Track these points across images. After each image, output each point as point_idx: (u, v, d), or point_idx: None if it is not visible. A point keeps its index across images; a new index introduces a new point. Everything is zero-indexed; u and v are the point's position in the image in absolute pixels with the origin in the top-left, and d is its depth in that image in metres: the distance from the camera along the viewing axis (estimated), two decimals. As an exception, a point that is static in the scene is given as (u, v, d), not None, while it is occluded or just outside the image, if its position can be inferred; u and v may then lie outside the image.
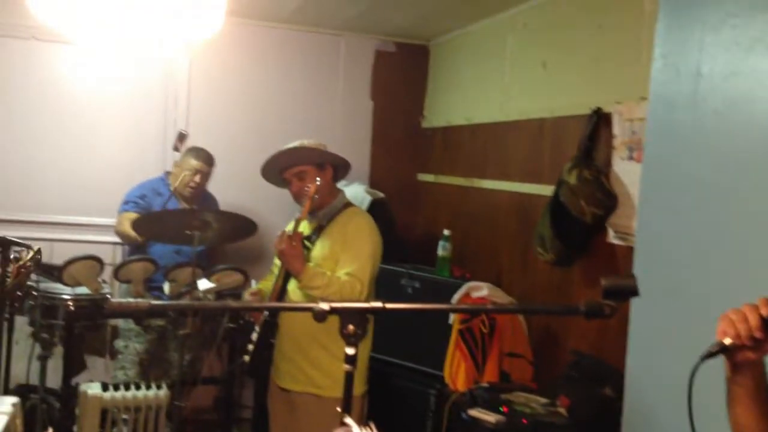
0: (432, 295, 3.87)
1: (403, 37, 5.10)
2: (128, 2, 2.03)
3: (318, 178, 2.89)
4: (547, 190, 3.44)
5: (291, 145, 3.06)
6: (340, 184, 3.21)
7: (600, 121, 3.15)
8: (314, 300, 2.80)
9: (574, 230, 3.08)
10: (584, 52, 3.40)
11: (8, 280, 2.58)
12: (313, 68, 5.05)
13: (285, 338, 3.05)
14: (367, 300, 2.83)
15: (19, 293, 3.07)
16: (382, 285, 3.15)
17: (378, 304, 1.46)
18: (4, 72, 4.50)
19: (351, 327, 1.42)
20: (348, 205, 3.09)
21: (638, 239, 2.55)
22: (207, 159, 4.19)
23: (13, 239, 2.36)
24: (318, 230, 3.02)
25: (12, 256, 2.57)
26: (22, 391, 3.84)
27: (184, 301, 3.39)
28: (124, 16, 2.17)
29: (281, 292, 3.02)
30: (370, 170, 5.14)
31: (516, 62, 4.04)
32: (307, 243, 3.02)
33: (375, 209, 4.22)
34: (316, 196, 2.85)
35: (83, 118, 4.64)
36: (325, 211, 3.03)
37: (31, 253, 2.68)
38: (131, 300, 1.88)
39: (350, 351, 1.43)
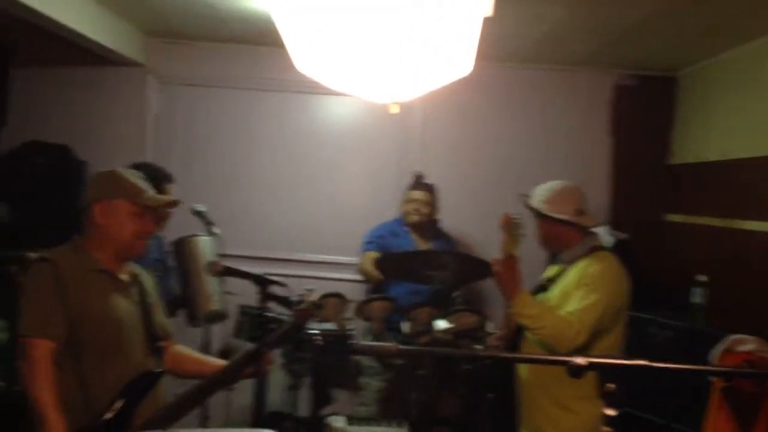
0: (686, 347, 3.54)
1: (647, 69, 4.82)
2: (382, 53, 2.11)
3: (515, 214, 2.81)
4: (827, 232, 3.01)
5: (536, 189, 2.98)
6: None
7: None
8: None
9: None
10: None
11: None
12: (549, 105, 4.95)
13: (519, 380, 2.98)
14: (583, 346, 2.66)
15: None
16: (628, 332, 2.92)
17: (642, 362, 1.32)
18: (259, 121, 4.95)
19: (611, 386, 1.30)
20: (597, 248, 2.93)
21: None
22: (426, 187, 4.26)
23: (272, 279, 2.50)
24: (561, 273, 2.92)
25: (293, 298, 2.65)
26: (275, 418, 4.12)
27: (424, 347, 3.41)
28: (373, 66, 2.25)
29: (517, 333, 2.94)
30: (611, 210, 4.88)
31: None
32: (547, 284, 2.95)
33: (617, 251, 3.98)
34: (523, 233, 2.77)
35: (326, 162, 4.95)
36: (567, 254, 2.92)
37: (313, 297, 2.76)
38: (379, 343, 1.92)
39: (611, 412, 1.30)
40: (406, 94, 2.47)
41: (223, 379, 2.47)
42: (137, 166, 3.21)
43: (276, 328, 3.30)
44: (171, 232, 3.74)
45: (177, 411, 2.30)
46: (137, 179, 2.40)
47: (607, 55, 4.51)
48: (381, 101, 2.56)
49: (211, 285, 3.20)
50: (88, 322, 2.22)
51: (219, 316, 3.28)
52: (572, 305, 2.73)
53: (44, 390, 2.12)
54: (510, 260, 2.78)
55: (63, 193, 4.33)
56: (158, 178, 3.23)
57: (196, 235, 3.33)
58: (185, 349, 2.67)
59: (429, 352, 3.05)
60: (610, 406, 1.35)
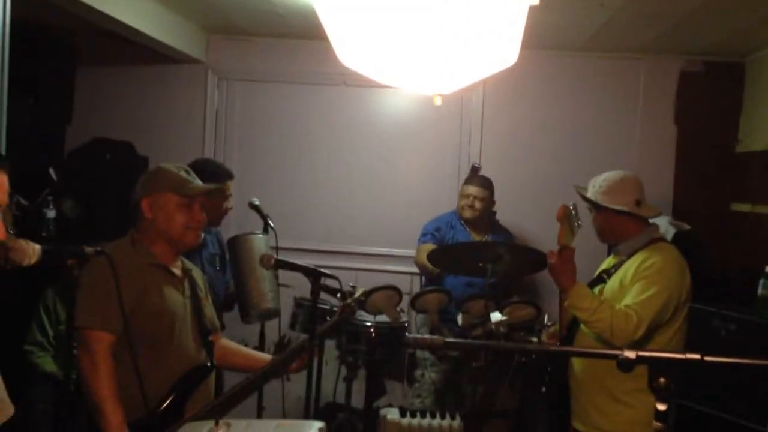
0: (751, 340, 3.41)
1: (713, 54, 4.65)
2: (424, 44, 2.09)
3: (570, 203, 2.77)
4: None
5: (591, 181, 2.91)
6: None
7: None
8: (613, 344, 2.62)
9: None
10: None
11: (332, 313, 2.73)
12: (610, 94, 4.83)
13: (572, 374, 2.92)
14: (642, 341, 2.60)
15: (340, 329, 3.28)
16: (690, 326, 2.83)
17: (695, 356, 1.27)
18: (316, 115, 4.97)
19: (662, 380, 1.26)
20: (656, 240, 2.84)
21: None
22: (481, 182, 4.21)
23: (324, 272, 2.52)
24: (618, 265, 2.84)
25: (339, 294, 2.70)
26: (330, 409, 4.16)
27: (477, 340, 3.37)
28: (413, 58, 2.24)
29: (570, 327, 2.88)
30: (674, 200, 4.74)
31: None
32: (604, 276, 2.88)
33: (680, 242, 3.86)
34: (578, 224, 2.73)
35: (384, 154, 4.95)
36: (625, 246, 2.84)
37: (358, 293, 2.83)
38: (426, 336, 1.88)
39: (661, 407, 1.26)
40: (448, 86, 2.44)
41: (269, 373, 2.51)
42: (198, 163, 3.30)
43: (329, 318, 3.34)
44: (231, 227, 3.83)
45: (226, 404, 2.35)
46: (181, 171, 2.44)
47: (671, 42, 4.37)
48: (424, 93, 2.54)
49: (264, 282, 3.21)
50: (144, 315, 2.27)
51: (271, 314, 3.29)
52: (630, 298, 2.66)
53: (103, 382, 2.17)
54: (565, 252, 2.73)
55: (126, 189, 4.47)
56: (218, 174, 3.29)
57: (250, 233, 3.35)
58: (232, 344, 2.72)
59: (475, 345, 3.00)
60: (660, 400, 1.31)
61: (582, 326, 2.82)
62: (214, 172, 3.25)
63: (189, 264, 2.56)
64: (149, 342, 2.28)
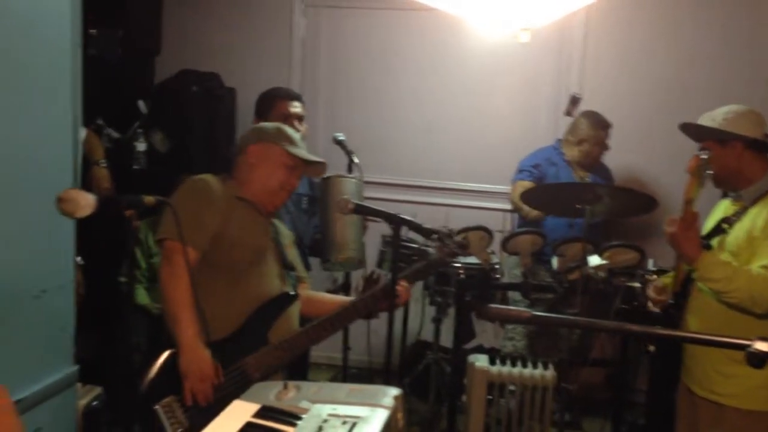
0: None
1: None
2: None
3: (704, 153, 2.40)
4: None
5: (704, 116, 2.57)
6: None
7: None
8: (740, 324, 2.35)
9: None
10: None
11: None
12: (738, 17, 4.29)
13: (687, 331, 2.62)
14: None
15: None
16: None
17: None
18: (405, 42, 4.71)
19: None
20: None
21: None
22: (601, 124, 3.90)
23: (405, 218, 2.36)
24: (741, 212, 2.49)
25: (435, 235, 2.54)
26: (419, 347, 4.10)
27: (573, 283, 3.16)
28: None
29: (685, 284, 2.60)
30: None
31: None
32: (724, 226, 2.53)
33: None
34: (709, 172, 2.38)
35: (478, 86, 4.66)
36: (750, 190, 2.48)
37: (457, 237, 2.67)
38: (512, 308, 1.70)
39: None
40: (538, 19, 2.14)
41: (357, 312, 2.44)
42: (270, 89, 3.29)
43: (418, 259, 3.20)
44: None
45: (306, 340, 2.35)
46: (295, 136, 2.46)
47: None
48: (509, 29, 2.25)
49: (350, 230, 3.00)
50: (225, 242, 2.26)
51: (353, 264, 3.07)
52: (765, 258, 2.33)
53: (181, 290, 2.14)
54: (688, 217, 2.41)
55: (213, 121, 4.42)
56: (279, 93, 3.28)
57: (342, 175, 3.14)
58: (315, 293, 2.66)
59: (566, 322, 2.72)
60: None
61: (699, 283, 2.53)
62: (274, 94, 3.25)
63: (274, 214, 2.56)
64: (231, 269, 2.29)
